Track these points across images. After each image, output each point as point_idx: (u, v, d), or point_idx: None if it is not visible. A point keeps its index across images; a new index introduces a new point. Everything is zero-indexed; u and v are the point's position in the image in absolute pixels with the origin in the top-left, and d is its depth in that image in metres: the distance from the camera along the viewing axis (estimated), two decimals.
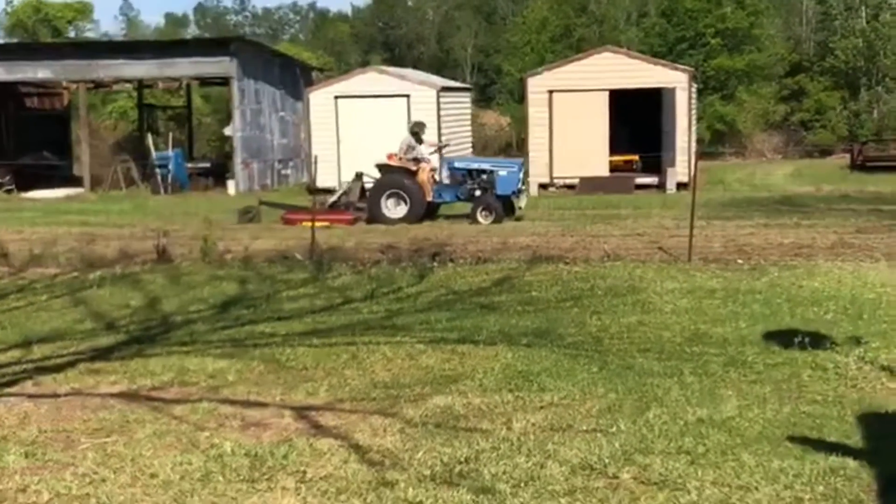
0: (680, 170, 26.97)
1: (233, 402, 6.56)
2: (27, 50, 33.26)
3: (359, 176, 20.44)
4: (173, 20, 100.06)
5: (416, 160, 19.20)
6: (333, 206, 20.02)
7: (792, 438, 5.60)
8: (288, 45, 62.40)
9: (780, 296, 9.88)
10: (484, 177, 19.05)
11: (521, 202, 19.06)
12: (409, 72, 33.89)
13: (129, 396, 6.79)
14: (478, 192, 18.95)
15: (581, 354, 7.65)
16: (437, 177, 19.81)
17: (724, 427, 5.82)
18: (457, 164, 19.93)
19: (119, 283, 11.64)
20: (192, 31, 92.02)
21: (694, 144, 27.48)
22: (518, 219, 18.73)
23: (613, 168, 28.66)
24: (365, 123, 27.93)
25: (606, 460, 5.28)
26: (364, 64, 52.53)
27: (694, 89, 30.29)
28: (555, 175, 27.85)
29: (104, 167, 31.14)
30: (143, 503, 4.97)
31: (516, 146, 41.04)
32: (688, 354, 7.64)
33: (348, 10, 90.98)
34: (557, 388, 6.70)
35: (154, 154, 30.17)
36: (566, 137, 27.70)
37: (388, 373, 7.29)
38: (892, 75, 49.26)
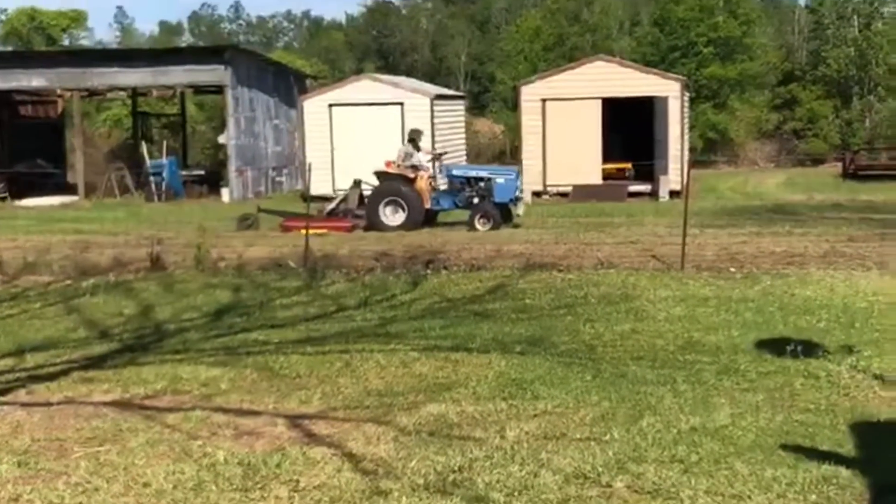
0: (673, 178, 27.00)
1: (226, 411, 6.54)
2: (21, 58, 33.23)
3: (357, 183, 20.43)
4: (167, 28, 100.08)
5: (415, 168, 19.21)
6: (332, 214, 20.03)
7: (785, 447, 5.59)
8: (282, 53, 62.44)
9: (772, 304, 9.88)
10: (482, 184, 19.08)
11: (519, 209, 19.09)
12: (402, 80, 33.91)
13: (122, 405, 6.77)
14: (476, 200, 18.98)
15: (575, 362, 7.64)
16: (434, 184, 19.82)
17: (718, 435, 5.81)
18: (455, 172, 19.96)
19: (113, 291, 11.61)
20: (186, 40, 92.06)
21: (686, 153, 27.53)
22: (516, 226, 18.75)
23: (606, 176, 28.69)
24: (359, 131, 27.93)
25: (600, 469, 5.27)
26: (358, 72, 52.54)
27: (686, 98, 30.33)
28: (548, 183, 27.87)
29: (98, 175, 31.09)
30: None
31: (510, 154, 41.08)
32: (681, 363, 7.63)
33: (342, 19, 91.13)
34: (551, 397, 6.68)
35: (148, 162, 30.13)
36: (559, 145, 27.72)
37: (381, 381, 7.27)
38: (884, 84, 49.44)
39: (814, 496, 4.91)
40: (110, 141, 42.43)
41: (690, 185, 15.42)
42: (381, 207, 18.94)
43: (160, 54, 33.01)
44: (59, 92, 32.24)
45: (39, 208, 27.10)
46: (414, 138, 19.76)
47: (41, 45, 51.74)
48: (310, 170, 18.65)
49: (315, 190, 21.35)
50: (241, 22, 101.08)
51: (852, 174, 34.15)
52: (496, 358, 7.80)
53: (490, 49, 62.29)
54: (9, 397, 7.03)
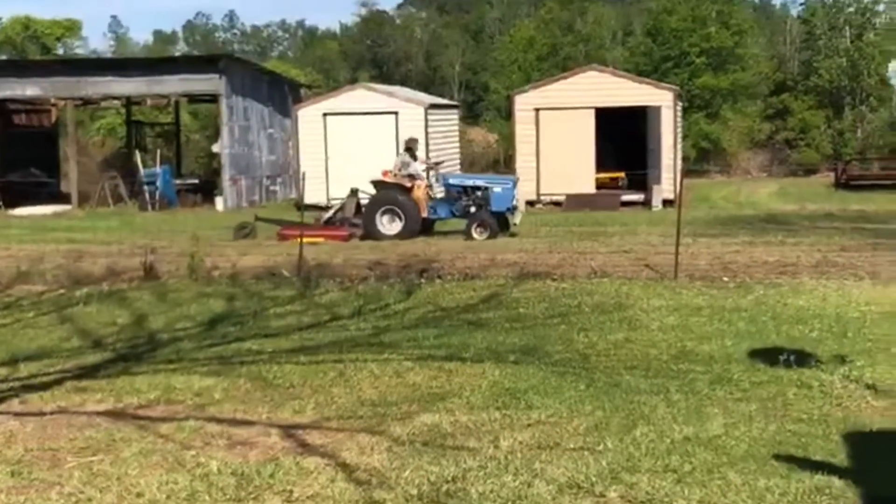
0: (666, 187, 27.06)
1: (219, 421, 6.52)
2: (15, 67, 33.16)
3: (354, 192, 20.43)
4: (162, 37, 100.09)
5: (411, 177, 19.23)
6: (329, 223, 20.03)
7: (778, 457, 5.59)
8: (276, 62, 62.46)
9: (765, 314, 9.90)
10: (479, 193, 19.10)
11: (516, 218, 19.11)
12: (397, 89, 33.96)
13: (116, 415, 6.74)
14: (472, 209, 19.00)
15: (568, 372, 7.64)
16: (431, 193, 19.84)
17: (711, 445, 5.81)
18: (452, 181, 19.98)
19: (106, 300, 11.58)
20: (180, 49, 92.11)
21: (679, 162, 27.60)
22: (513, 235, 18.76)
23: (600, 185, 28.74)
24: (353, 140, 27.95)
25: (594, 479, 5.26)
26: (352, 81, 52.62)
27: (679, 107, 30.41)
28: (542, 192, 27.91)
29: (92, 184, 31.04)
30: None
31: (504, 163, 41.11)
32: (674, 372, 7.64)
33: (337, 28, 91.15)
34: (545, 406, 6.68)
35: (142, 171, 30.10)
36: (553, 155, 27.78)
37: (375, 390, 7.26)
38: (875, 94, 49.58)
39: None
40: (104, 150, 42.38)
41: (683, 195, 15.45)
42: (377, 216, 18.95)
43: (154, 63, 33.01)
44: (53, 101, 32.21)
45: (33, 217, 27.05)
46: (410, 147, 19.79)
47: (35, 53, 51.68)
48: (304, 179, 18.64)
49: (309, 199, 21.34)
50: (235, 31, 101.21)
51: (844, 184, 34.24)
52: (490, 367, 7.80)
53: (484, 59, 62.39)
54: (2, 407, 7.00)
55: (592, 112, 27.87)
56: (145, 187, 29.35)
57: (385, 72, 67.62)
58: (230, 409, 6.83)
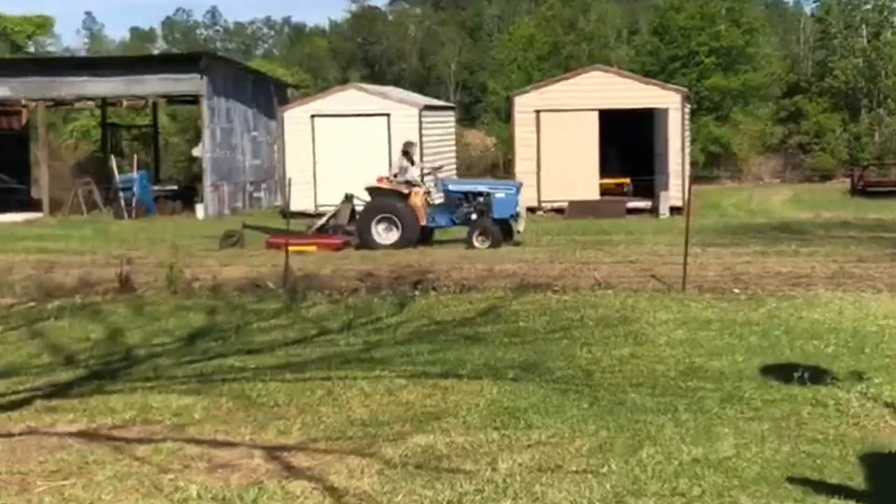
0: (673, 194, 27.12)
1: (199, 442, 6.50)
2: None
3: (348, 198, 20.40)
4: (139, 35, 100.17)
5: (409, 183, 19.23)
6: (321, 231, 19.99)
7: (792, 480, 5.58)
8: (261, 61, 62.54)
9: (778, 328, 9.90)
10: (480, 199, 19.10)
11: (520, 226, 19.10)
12: (389, 89, 34.02)
13: (89, 436, 6.72)
14: (474, 216, 19.00)
15: (570, 389, 7.64)
16: (430, 200, 19.86)
17: (721, 467, 5.80)
18: (451, 187, 19.95)
19: (79, 313, 11.55)
20: (159, 47, 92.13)
21: (688, 167, 27.66)
22: (517, 244, 18.77)
23: (604, 191, 28.80)
24: (343, 144, 27.99)
25: (597, 503, 5.25)
26: (342, 81, 52.72)
27: (687, 110, 30.52)
28: (543, 198, 27.96)
29: (64, 190, 31.02)
30: None
31: (503, 167, 41.21)
32: (682, 389, 7.64)
33: (325, 25, 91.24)
34: (545, 426, 6.67)
35: (118, 176, 30.09)
36: (554, 159, 27.84)
37: (365, 409, 7.25)
38: (893, 97, 49.72)
39: None
40: (77, 154, 42.37)
41: (692, 202, 15.48)
42: (373, 224, 18.94)
43: (131, 62, 33.04)
44: (23, 102, 32.20)
45: (1, 226, 27.01)
46: (408, 151, 19.79)
47: (5, 52, 51.66)
48: (290, 185, 18.65)
49: (295, 206, 21.33)
50: (217, 28, 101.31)
51: (861, 190, 34.34)
52: (488, 385, 7.79)
53: (481, 58, 62.53)
54: None
55: (596, 114, 27.94)
56: (121, 194, 29.34)
57: (377, 71, 67.73)
58: (211, 430, 6.81)
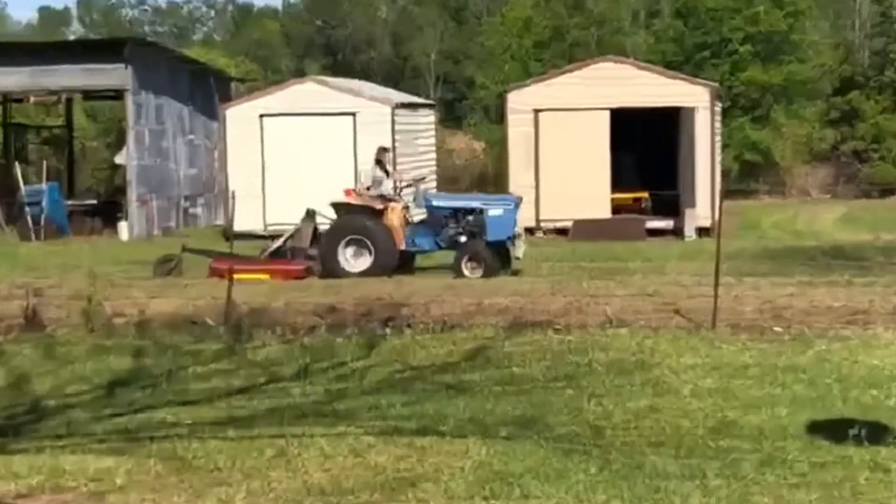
0: (701, 211, 27.22)
1: None
2: None
3: (310, 215, 20.36)
4: (50, 15, 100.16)
5: (384, 197, 19.24)
6: (277, 255, 19.92)
7: None
8: (200, 48, 62.62)
9: (829, 374, 9.95)
10: (471, 218, 19.09)
11: (519, 250, 19.04)
12: (356, 83, 34.11)
13: None
14: (463, 238, 18.98)
15: (576, 450, 7.65)
16: (409, 218, 19.83)
17: None
18: (436, 202, 19.90)
19: None
20: (75, 31, 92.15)
21: (719, 179, 27.77)
22: (515, 272, 18.77)
23: (617, 208, 28.89)
24: (298, 149, 28.00)
25: None
26: (298, 73, 52.75)
27: (718, 109, 30.66)
28: (542, 217, 28.03)
29: None
30: None
31: (493, 179, 41.22)
32: (712, 450, 7.66)
33: (278, 4, 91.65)
34: (546, 495, 6.68)
35: (23, 188, 30.00)
36: (556, 169, 27.91)
37: (325, 474, 7.24)
38: None
39: None
40: None
41: (724, 221, 15.54)
42: (340, 248, 18.92)
43: (40, 50, 32.98)
44: None
45: None
46: (381, 160, 19.81)
47: None
48: (234, 199, 18.64)
49: (240, 225, 21.32)
50: (146, 8, 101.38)
51: None
52: (475, 444, 7.79)
53: (468, 45, 62.70)
54: None
55: (607, 114, 28.06)
56: (27, 209, 29.23)
57: (340, 61, 67.88)
58: (136, 499, 6.79)
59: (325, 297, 15.54)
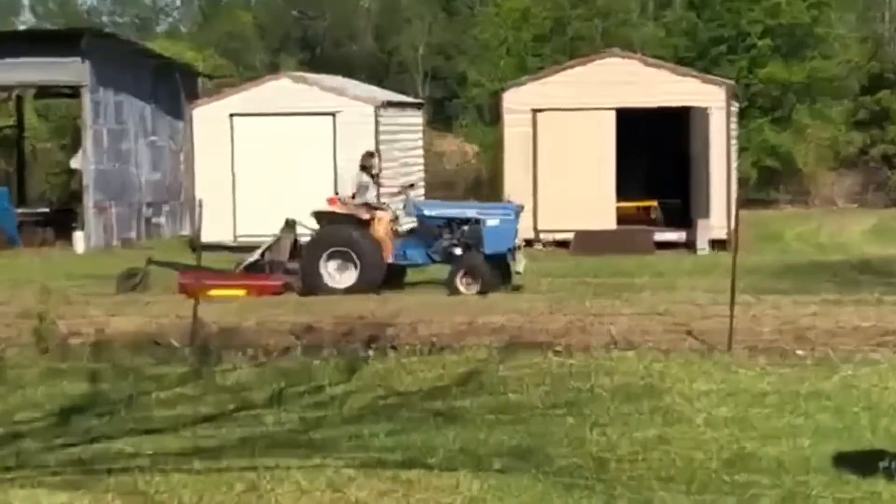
0: (716, 222, 27.26)
1: None
2: None
3: (290, 225, 20.37)
4: None
5: (370, 206, 19.23)
6: (253, 269, 19.91)
7: None
8: (164, 41, 62.54)
9: (856, 402, 9.96)
10: (467, 228, 19.09)
11: (519, 265, 19.03)
12: (336, 80, 34.11)
13: None
14: (458, 251, 18.97)
15: (577, 485, 7.64)
16: (399, 228, 19.82)
17: None
18: (428, 211, 19.89)
19: None
20: (26, 21, 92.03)
21: (735, 187, 27.84)
22: (516, 288, 18.77)
23: (623, 218, 28.91)
24: (273, 152, 28.01)
25: None
26: (273, 69, 52.80)
27: (735, 109, 30.75)
28: (540, 228, 28.05)
29: None
30: None
31: (487, 185, 41.22)
32: (728, 485, 7.66)
33: None
34: None
35: None
36: (556, 174, 27.94)
37: None
38: None
39: None
40: None
41: (741, 233, 15.56)
42: (323, 262, 18.90)
43: None
44: None
45: None
46: (367, 165, 19.80)
47: None
48: (200, 207, 18.61)
49: (208, 236, 21.27)
50: None
51: None
52: (466, 478, 7.78)
53: (460, 39, 62.74)
54: None
55: (612, 115, 28.10)
56: None
57: (319, 56, 67.91)
58: None
59: (302, 315, 15.50)
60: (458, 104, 59.02)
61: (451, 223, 19.28)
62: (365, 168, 19.74)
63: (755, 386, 10.68)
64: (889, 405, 9.85)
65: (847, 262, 23.32)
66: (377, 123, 28.42)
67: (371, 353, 12.46)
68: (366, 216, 19.08)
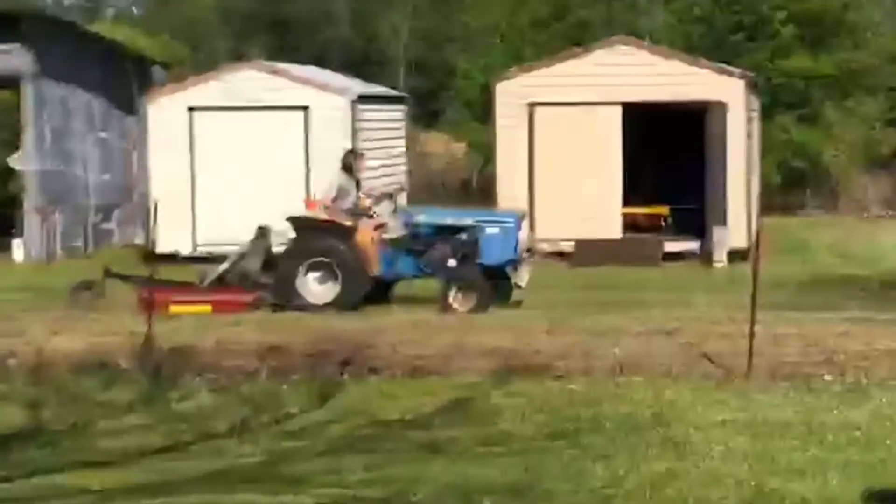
0: (734, 231, 27.28)
1: None
2: None
3: (263, 233, 20.34)
4: None
5: (354, 212, 19.18)
6: (221, 282, 19.87)
7: None
8: (115, 25, 62.50)
9: (890, 434, 9.98)
10: (463, 237, 19.08)
11: (522, 277, 19.01)
12: (308, 70, 34.11)
13: None
14: (452, 262, 18.95)
15: None
16: (385, 237, 19.75)
17: None
18: (418, 218, 19.86)
19: None
20: None
21: (756, 191, 27.87)
22: (517, 303, 18.77)
23: (630, 226, 28.93)
24: (237, 151, 27.97)
25: None
26: (237, 57, 52.76)
27: (756, 105, 30.79)
28: (537, 236, 28.03)
29: None
30: None
31: (477, 187, 41.28)
32: None
33: None
34: None
35: None
36: (556, 177, 27.94)
37: None
38: None
39: None
40: None
41: (763, 243, 15.59)
42: (300, 274, 18.88)
43: None
44: None
45: None
46: (350, 165, 19.75)
47: None
48: (156, 210, 18.60)
49: (165, 245, 21.32)
50: None
51: None
52: None
53: (447, 24, 62.83)
54: None
55: (618, 110, 28.11)
56: None
57: (289, 43, 67.89)
58: None
59: (268, 333, 15.50)
60: (445, 98, 59.08)
61: (444, 231, 19.28)
62: (348, 168, 19.68)
63: (777, 415, 10.70)
64: None
65: (880, 275, 23.36)
66: (354, 119, 28.38)
67: (346, 376, 12.45)
68: (348, 223, 19.05)
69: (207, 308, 18.06)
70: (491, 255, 18.79)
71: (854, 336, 14.83)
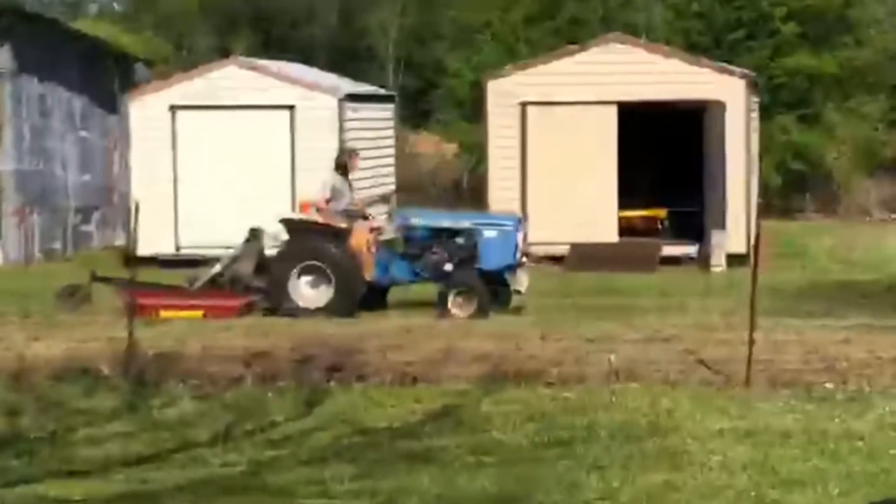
0: (733, 235, 27.29)
1: None
2: None
3: (255, 234, 20.32)
4: None
5: (349, 214, 19.16)
6: (212, 285, 19.84)
7: None
8: (96, 22, 62.40)
9: (893, 444, 9.99)
10: (460, 241, 19.07)
11: (521, 283, 19.01)
12: (294, 68, 34.09)
13: None
14: (449, 266, 18.92)
15: None
16: (380, 240, 19.74)
17: None
18: (414, 221, 19.85)
19: None
20: None
21: (755, 193, 27.85)
22: (517, 309, 18.78)
23: (626, 229, 28.92)
24: (221, 151, 27.94)
25: None
26: (221, 54, 52.71)
27: (755, 105, 30.80)
28: (530, 240, 27.97)
29: None
30: None
31: (468, 189, 41.26)
32: None
33: None
34: None
35: None
36: (549, 178, 27.92)
37: None
38: None
39: None
40: None
41: (763, 247, 15.61)
42: (293, 278, 18.85)
43: None
44: None
45: None
46: (344, 164, 19.73)
47: None
48: (137, 212, 18.55)
49: (146, 247, 21.29)
50: None
51: None
52: None
53: (437, 21, 62.81)
54: None
55: (614, 110, 28.09)
56: None
57: (274, 39, 67.81)
58: None
59: (254, 338, 15.49)
60: (435, 97, 59.03)
61: (441, 235, 19.27)
62: (342, 168, 19.65)
63: (777, 424, 10.71)
64: None
65: (882, 281, 23.37)
66: (341, 119, 28.35)
67: (333, 383, 12.44)
68: (342, 225, 19.03)
69: (198, 313, 18.06)
70: (490, 260, 18.80)
71: (856, 343, 14.84)
